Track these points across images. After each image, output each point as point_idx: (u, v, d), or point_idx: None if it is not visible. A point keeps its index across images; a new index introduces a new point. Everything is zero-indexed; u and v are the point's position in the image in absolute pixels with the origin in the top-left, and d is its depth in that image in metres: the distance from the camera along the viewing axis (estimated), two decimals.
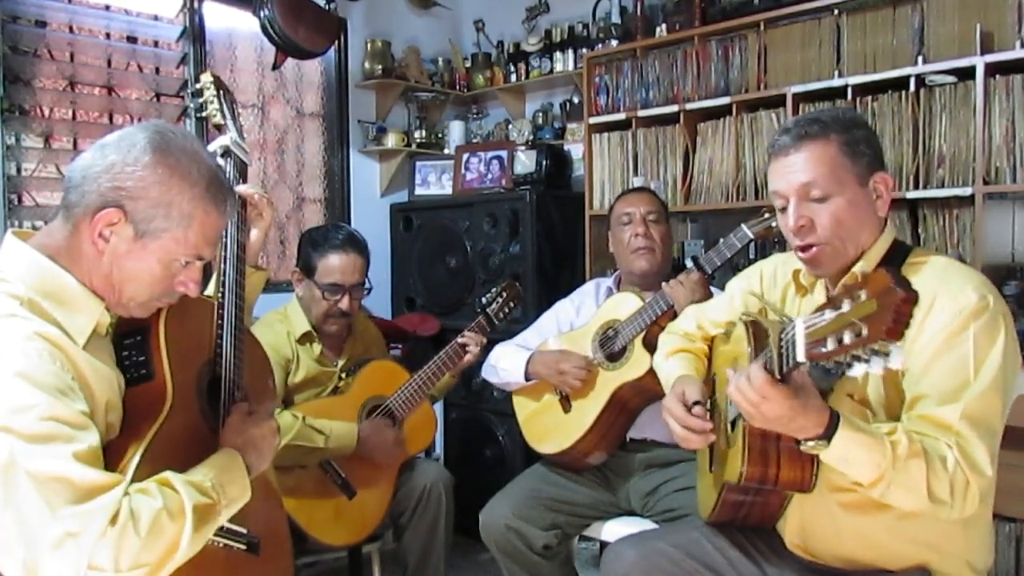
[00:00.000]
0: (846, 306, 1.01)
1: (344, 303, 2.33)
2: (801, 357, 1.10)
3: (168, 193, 1.24)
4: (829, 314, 1.04)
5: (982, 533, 1.44)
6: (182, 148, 1.27)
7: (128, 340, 1.33)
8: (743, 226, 2.04)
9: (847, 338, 1.00)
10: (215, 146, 1.61)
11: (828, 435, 1.24)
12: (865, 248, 1.42)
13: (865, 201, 1.41)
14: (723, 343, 1.71)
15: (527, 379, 2.32)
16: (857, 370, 1.01)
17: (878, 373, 1.01)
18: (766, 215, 2.01)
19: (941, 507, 1.27)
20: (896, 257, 1.42)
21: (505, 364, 2.38)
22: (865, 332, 0.98)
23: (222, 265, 1.53)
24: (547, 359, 2.28)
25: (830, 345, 1.03)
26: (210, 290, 1.63)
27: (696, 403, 1.53)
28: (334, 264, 2.32)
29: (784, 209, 1.44)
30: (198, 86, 1.70)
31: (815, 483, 1.36)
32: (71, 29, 2.90)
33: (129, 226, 1.23)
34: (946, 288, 1.33)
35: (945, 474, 1.25)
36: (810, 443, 1.26)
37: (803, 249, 1.43)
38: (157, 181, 1.23)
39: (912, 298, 0.96)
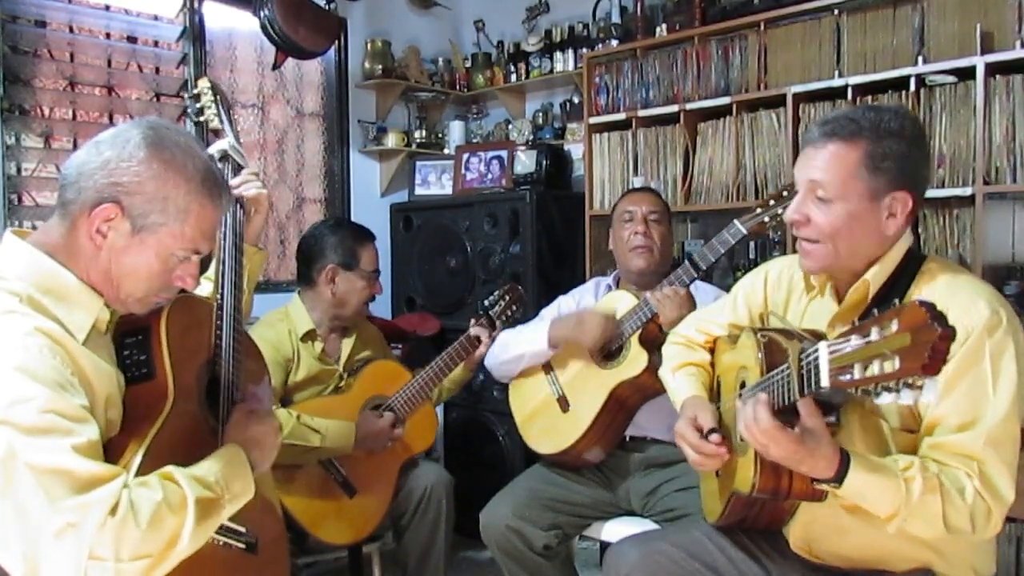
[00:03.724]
0: (875, 335, 0.99)
1: (378, 287, 2.49)
2: (825, 383, 1.08)
3: (164, 188, 1.25)
4: (856, 341, 1.02)
5: (987, 540, 1.44)
6: (176, 143, 1.27)
7: (129, 339, 1.34)
8: (736, 222, 2.02)
9: (876, 368, 0.98)
10: (213, 150, 1.63)
11: (839, 478, 1.25)
12: (874, 257, 1.40)
13: (869, 217, 1.37)
14: (727, 348, 1.69)
15: (550, 346, 2.28)
16: (885, 399, 0.99)
17: (908, 404, 0.99)
18: (758, 211, 2.00)
19: (961, 534, 1.28)
20: (909, 266, 1.40)
21: (520, 338, 2.36)
22: (898, 365, 0.95)
23: (220, 267, 1.53)
24: (567, 318, 2.29)
25: (856, 373, 1.01)
26: (208, 281, 1.64)
27: (712, 431, 1.51)
28: (373, 252, 2.48)
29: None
30: (195, 91, 1.73)
31: (828, 494, 1.34)
32: (71, 29, 2.90)
33: (126, 221, 1.23)
34: (958, 302, 1.30)
35: (964, 505, 1.25)
36: (823, 484, 1.28)
37: (800, 241, 1.45)
38: (153, 176, 1.24)
39: (950, 335, 0.93)
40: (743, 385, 1.49)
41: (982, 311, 1.29)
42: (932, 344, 0.93)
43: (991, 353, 1.28)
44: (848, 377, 1.03)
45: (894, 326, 0.97)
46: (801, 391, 1.19)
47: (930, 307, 0.95)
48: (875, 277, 1.39)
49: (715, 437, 1.49)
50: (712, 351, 1.78)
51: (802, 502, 1.46)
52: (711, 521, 1.64)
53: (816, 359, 1.12)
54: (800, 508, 1.49)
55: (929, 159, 1.43)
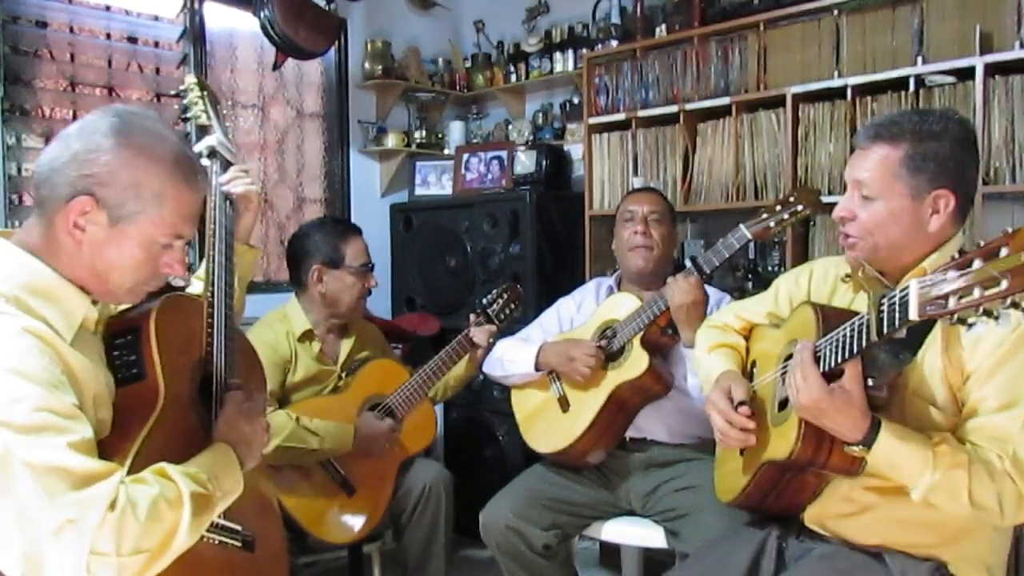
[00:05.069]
0: (977, 263, 1.01)
1: (372, 280, 2.45)
2: (914, 315, 1.10)
3: (136, 174, 1.22)
4: (952, 274, 1.04)
5: (1004, 540, 1.46)
6: (144, 128, 1.25)
7: (119, 340, 1.32)
8: (741, 226, 2.03)
9: (977, 293, 1.00)
10: (201, 146, 1.61)
11: (868, 442, 1.30)
12: (924, 252, 1.43)
13: (911, 214, 1.41)
14: (766, 334, 1.71)
15: (537, 370, 2.32)
16: (978, 328, 1.01)
17: (1003, 330, 1.01)
18: (764, 215, 2.01)
19: (987, 514, 1.30)
20: None
21: (512, 356, 2.38)
22: (1006, 285, 0.97)
23: (210, 265, 1.51)
24: (557, 348, 2.29)
25: (951, 303, 1.03)
26: (199, 280, 1.63)
27: (741, 403, 1.54)
28: (360, 246, 2.43)
29: None
30: (181, 87, 1.70)
31: (863, 468, 1.37)
32: (71, 29, 2.91)
33: (103, 212, 1.21)
34: None
35: (991, 484, 1.28)
36: (854, 448, 1.32)
37: (844, 235, 1.50)
38: (123, 164, 1.22)
39: None
40: (789, 358, 1.49)
41: None
42: None
43: None
44: (936, 308, 1.05)
45: (1004, 251, 0.99)
46: (880, 332, 1.20)
47: None
48: (932, 266, 1.40)
49: (744, 409, 1.53)
50: (747, 339, 1.80)
51: (824, 489, 1.48)
52: (726, 500, 1.65)
53: (905, 296, 1.13)
54: (822, 495, 1.50)
55: (976, 160, 1.47)
